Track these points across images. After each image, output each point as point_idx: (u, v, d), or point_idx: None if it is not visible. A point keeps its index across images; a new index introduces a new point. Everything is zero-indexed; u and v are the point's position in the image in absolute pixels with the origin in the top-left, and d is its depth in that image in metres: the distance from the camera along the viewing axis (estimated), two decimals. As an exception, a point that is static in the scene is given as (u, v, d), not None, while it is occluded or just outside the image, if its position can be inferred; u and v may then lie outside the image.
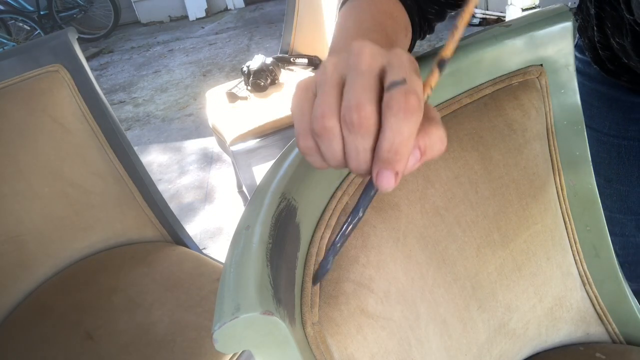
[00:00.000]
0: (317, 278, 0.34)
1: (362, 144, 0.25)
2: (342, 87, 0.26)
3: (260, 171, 1.63)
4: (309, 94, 0.28)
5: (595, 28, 0.60)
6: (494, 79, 0.54)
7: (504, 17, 3.07)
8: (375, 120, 0.25)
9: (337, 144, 0.26)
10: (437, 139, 0.26)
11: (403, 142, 0.24)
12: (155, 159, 2.50)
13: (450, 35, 0.28)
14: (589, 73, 0.65)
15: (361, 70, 0.26)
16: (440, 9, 0.49)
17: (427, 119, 0.27)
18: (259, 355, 0.27)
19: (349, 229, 0.30)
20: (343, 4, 0.47)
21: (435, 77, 0.28)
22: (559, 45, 0.54)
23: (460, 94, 0.52)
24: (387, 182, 0.25)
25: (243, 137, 1.53)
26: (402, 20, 0.45)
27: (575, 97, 0.56)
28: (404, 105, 0.24)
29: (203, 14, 5.19)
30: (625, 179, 0.67)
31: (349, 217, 0.30)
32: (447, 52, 0.27)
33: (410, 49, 0.48)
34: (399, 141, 0.24)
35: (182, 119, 2.90)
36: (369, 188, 0.29)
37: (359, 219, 0.30)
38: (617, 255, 0.60)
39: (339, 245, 0.32)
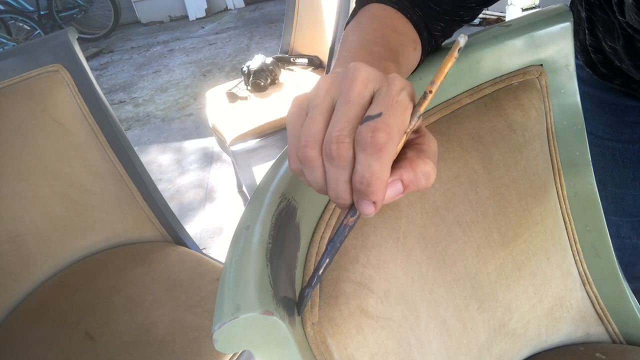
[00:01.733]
0: (299, 308, 0.34)
1: (341, 175, 0.26)
2: (331, 112, 0.27)
3: (260, 171, 1.63)
4: (301, 113, 0.28)
5: (586, 31, 0.60)
6: (494, 79, 0.54)
7: (504, 17, 3.07)
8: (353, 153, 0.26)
9: (318, 172, 0.27)
10: (421, 175, 0.27)
11: (374, 176, 0.25)
12: (155, 159, 2.50)
13: (438, 73, 0.28)
14: (581, 76, 0.65)
15: (349, 99, 0.26)
16: (445, 26, 0.48)
17: (417, 152, 0.27)
18: (259, 355, 0.27)
19: (329, 260, 0.31)
20: (348, 23, 0.46)
21: (424, 106, 0.28)
22: (559, 45, 0.54)
23: (460, 94, 0.52)
24: (366, 209, 0.26)
25: (243, 137, 1.53)
26: (408, 35, 0.44)
27: (575, 97, 0.56)
28: (370, 142, 0.24)
29: (203, 14, 5.19)
30: (620, 182, 0.67)
31: (326, 249, 0.31)
32: (433, 87, 0.28)
33: (419, 63, 0.48)
34: (369, 175, 0.25)
35: (182, 119, 2.90)
36: (345, 217, 0.29)
37: (337, 249, 0.30)
38: None
39: (318, 278, 0.31)
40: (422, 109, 0.28)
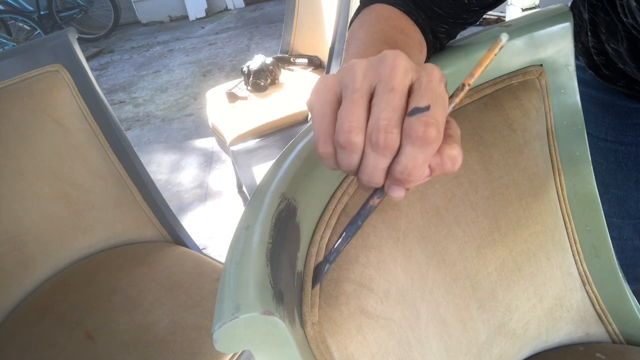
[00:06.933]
0: (314, 282, 0.35)
1: (381, 162, 0.26)
2: (370, 97, 0.27)
3: (260, 171, 1.63)
4: (331, 96, 0.27)
5: (589, 33, 0.60)
6: (494, 79, 0.54)
7: (504, 17, 3.07)
8: (399, 143, 0.26)
9: (357, 156, 0.27)
10: (448, 159, 0.27)
11: (416, 167, 0.26)
12: (155, 159, 2.50)
13: (477, 66, 0.28)
14: (583, 78, 0.64)
15: (393, 86, 0.26)
16: (449, 28, 0.48)
17: (444, 136, 0.27)
18: (259, 355, 0.27)
19: (349, 237, 0.31)
20: (352, 21, 0.46)
21: (460, 98, 0.29)
22: (558, 45, 0.54)
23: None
24: (397, 194, 0.27)
25: (243, 137, 1.53)
26: (415, 37, 0.44)
27: (575, 97, 0.56)
28: (422, 136, 0.25)
29: (203, 14, 5.19)
30: (622, 184, 0.67)
31: (348, 225, 0.31)
32: (471, 80, 0.28)
33: None
34: (412, 166, 0.25)
35: (182, 119, 2.90)
36: (371, 198, 0.30)
37: (358, 227, 0.31)
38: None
39: (336, 252, 0.32)
40: (458, 100, 0.28)
